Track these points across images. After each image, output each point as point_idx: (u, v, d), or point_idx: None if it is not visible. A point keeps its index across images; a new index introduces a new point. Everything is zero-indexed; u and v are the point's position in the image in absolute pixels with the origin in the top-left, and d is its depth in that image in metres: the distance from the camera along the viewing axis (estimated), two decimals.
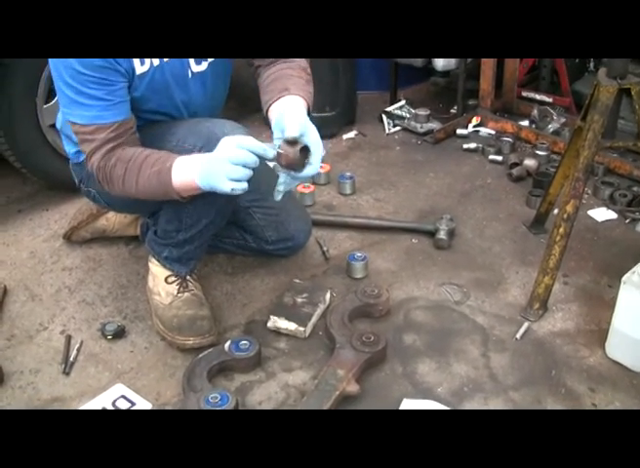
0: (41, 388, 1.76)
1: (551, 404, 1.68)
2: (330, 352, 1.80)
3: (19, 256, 2.26)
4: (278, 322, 1.90)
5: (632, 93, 1.81)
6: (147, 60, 1.64)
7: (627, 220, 2.37)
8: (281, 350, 1.87)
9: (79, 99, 1.57)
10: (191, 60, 1.72)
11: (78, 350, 1.87)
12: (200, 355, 1.77)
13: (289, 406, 1.69)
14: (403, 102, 3.13)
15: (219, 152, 1.51)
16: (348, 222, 2.37)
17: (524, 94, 3.09)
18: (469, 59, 2.97)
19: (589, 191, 2.51)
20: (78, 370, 1.82)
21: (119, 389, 1.73)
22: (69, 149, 1.90)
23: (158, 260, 1.90)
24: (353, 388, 1.67)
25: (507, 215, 2.43)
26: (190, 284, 1.92)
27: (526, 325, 1.91)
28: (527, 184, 2.58)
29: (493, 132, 2.97)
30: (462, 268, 2.16)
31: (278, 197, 1.60)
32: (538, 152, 2.72)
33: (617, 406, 1.67)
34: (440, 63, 2.99)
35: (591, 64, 3.15)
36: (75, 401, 1.72)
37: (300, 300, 1.95)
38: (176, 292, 1.89)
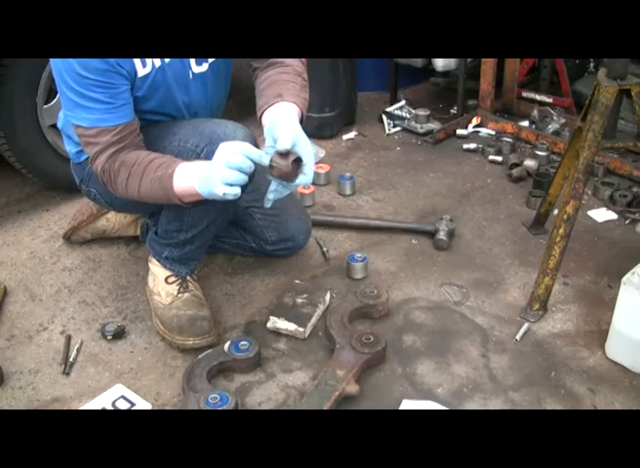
0: (41, 388, 1.76)
1: (551, 404, 1.68)
2: (329, 353, 1.80)
3: (19, 257, 2.26)
4: (278, 322, 1.90)
5: (632, 93, 1.81)
6: (149, 62, 1.64)
7: (627, 221, 2.37)
8: (281, 351, 1.87)
9: (82, 103, 1.57)
10: (192, 62, 1.72)
11: (78, 350, 1.87)
12: (200, 355, 1.77)
13: (288, 406, 1.69)
14: (403, 103, 3.13)
15: (216, 157, 1.51)
16: (348, 223, 2.37)
17: (524, 94, 3.09)
18: (469, 60, 2.97)
19: (589, 192, 2.51)
20: (78, 370, 1.82)
21: (119, 389, 1.73)
22: (70, 149, 1.91)
23: (158, 261, 1.91)
24: (353, 389, 1.67)
25: (507, 216, 2.43)
26: (190, 284, 1.92)
27: (526, 325, 1.91)
28: (527, 185, 2.58)
29: (493, 132, 2.97)
30: (462, 269, 2.16)
31: (268, 204, 1.61)
32: (538, 153, 2.72)
33: (616, 406, 1.67)
34: (440, 64, 3.00)
35: (591, 65, 3.16)
36: (75, 401, 1.72)
37: (299, 301, 1.95)
38: (176, 293, 1.89)
